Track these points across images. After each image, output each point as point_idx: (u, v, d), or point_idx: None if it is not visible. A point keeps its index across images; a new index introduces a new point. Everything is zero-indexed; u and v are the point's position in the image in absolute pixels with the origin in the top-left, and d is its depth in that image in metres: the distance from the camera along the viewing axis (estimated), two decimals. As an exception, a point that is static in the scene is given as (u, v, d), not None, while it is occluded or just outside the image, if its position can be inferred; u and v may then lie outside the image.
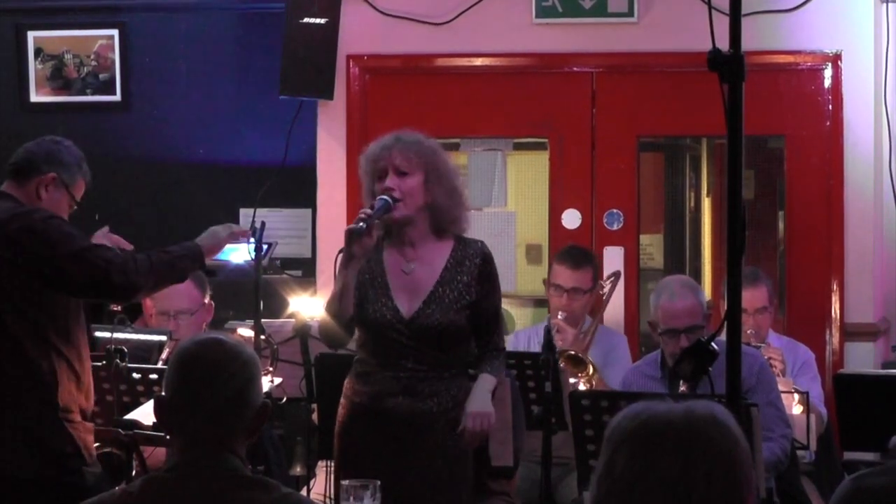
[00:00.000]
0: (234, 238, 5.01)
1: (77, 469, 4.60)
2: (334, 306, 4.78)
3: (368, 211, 4.70)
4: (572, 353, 6.09)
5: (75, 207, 4.90)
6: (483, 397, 4.76)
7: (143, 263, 4.70)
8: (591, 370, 6.08)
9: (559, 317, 6.31)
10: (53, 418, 4.60)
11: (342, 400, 4.86)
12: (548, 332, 5.10)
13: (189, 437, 3.01)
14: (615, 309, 7.12)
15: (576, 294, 6.41)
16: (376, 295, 4.79)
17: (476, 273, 4.82)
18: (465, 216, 4.90)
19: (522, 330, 6.85)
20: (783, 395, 5.74)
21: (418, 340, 4.75)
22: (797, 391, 5.93)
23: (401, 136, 4.85)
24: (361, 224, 4.65)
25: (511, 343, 6.62)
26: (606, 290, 6.65)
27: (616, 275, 6.78)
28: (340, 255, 4.79)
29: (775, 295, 6.63)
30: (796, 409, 5.90)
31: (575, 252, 6.60)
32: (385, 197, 4.73)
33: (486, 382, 4.80)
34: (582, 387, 5.97)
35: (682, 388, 5.39)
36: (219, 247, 4.95)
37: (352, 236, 4.67)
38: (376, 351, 4.80)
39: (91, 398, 4.78)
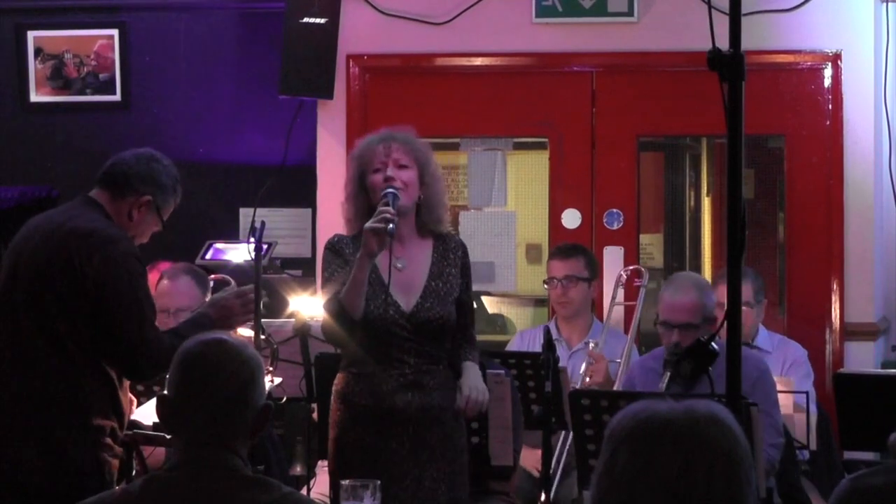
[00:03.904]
0: (244, 300, 4.75)
1: (93, 489, 4.48)
2: (338, 305, 4.70)
3: (392, 210, 4.63)
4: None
5: (160, 230, 4.74)
6: (475, 380, 4.78)
7: (166, 356, 4.45)
8: None
9: (590, 346, 6.28)
10: (82, 437, 4.46)
11: (337, 403, 4.78)
12: (547, 331, 5.09)
13: (190, 436, 3.01)
14: (615, 309, 7.11)
15: (569, 282, 6.50)
16: (374, 292, 4.75)
17: (459, 264, 4.86)
18: (447, 217, 4.95)
19: (527, 330, 6.85)
20: (783, 395, 5.74)
21: (419, 334, 4.74)
22: (796, 391, 5.94)
23: (394, 132, 4.87)
24: (392, 226, 4.57)
25: (515, 343, 6.64)
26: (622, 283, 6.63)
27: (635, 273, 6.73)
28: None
29: (762, 292, 6.56)
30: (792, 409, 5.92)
31: (564, 245, 6.76)
32: (391, 190, 4.71)
33: (474, 369, 4.81)
34: None
35: (664, 382, 5.37)
36: (229, 317, 4.71)
37: (382, 236, 4.58)
38: (374, 348, 4.74)
39: (125, 420, 4.63)
